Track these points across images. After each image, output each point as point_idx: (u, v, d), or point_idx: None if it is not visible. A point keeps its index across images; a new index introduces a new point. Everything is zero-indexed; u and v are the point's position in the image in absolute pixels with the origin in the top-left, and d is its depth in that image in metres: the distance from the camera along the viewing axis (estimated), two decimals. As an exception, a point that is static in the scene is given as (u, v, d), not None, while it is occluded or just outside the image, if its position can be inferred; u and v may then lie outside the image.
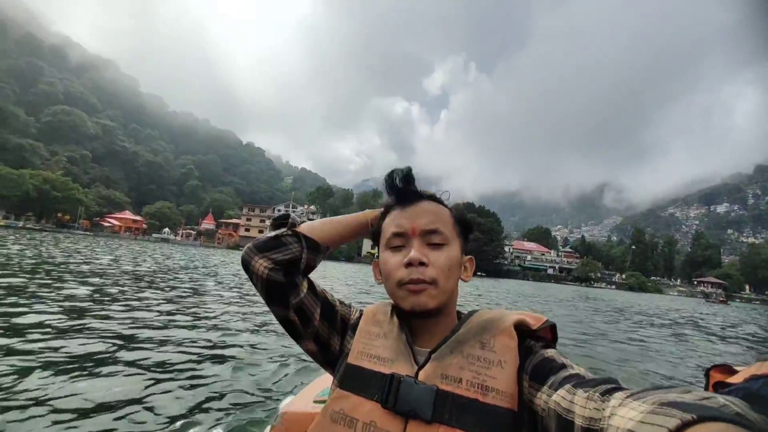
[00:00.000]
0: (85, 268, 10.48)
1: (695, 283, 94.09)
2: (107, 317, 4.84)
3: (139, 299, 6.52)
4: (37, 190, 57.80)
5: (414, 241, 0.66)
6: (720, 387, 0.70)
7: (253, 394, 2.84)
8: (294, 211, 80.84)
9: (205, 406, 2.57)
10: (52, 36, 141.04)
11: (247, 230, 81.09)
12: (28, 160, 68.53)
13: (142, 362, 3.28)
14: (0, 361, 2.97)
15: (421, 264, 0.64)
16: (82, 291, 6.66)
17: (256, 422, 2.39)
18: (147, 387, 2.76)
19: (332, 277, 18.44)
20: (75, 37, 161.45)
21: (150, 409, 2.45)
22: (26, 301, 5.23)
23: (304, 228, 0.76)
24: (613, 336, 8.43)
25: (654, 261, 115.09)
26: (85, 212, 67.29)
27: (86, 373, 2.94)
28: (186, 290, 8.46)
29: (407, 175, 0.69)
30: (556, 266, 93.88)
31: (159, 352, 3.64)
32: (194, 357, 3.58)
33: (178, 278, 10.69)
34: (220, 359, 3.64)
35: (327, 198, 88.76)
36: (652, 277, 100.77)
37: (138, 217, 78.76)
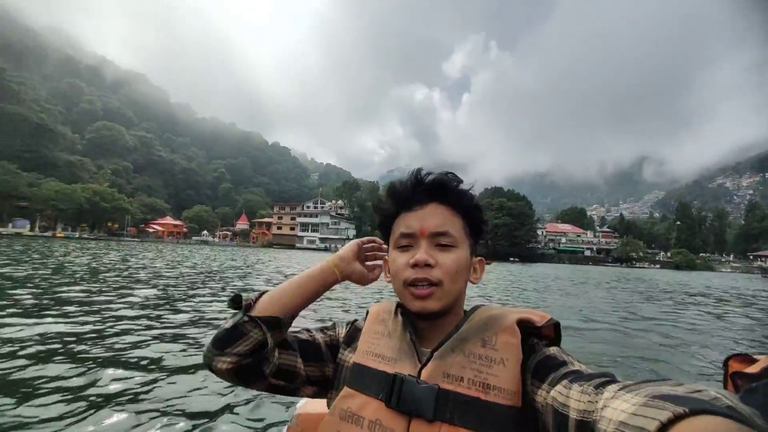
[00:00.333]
0: (159, 269, 11.50)
1: (751, 258, 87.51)
2: (175, 311, 5.44)
3: (188, 297, 7.19)
4: (89, 202, 62.50)
5: (422, 242, 0.66)
6: (738, 377, 0.70)
7: (271, 396, 2.87)
8: (322, 207, 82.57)
9: (224, 405, 2.72)
10: (88, 57, 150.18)
11: (279, 228, 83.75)
12: (78, 174, 73.99)
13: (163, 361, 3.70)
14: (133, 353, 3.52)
15: (428, 265, 0.64)
16: (156, 291, 7.42)
17: (273, 423, 2.50)
18: (160, 386, 2.99)
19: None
20: (108, 56, 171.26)
21: (167, 407, 2.64)
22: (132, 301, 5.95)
23: (262, 305, 0.70)
24: (652, 319, 8.28)
25: (702, 236, 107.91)
26: (131, 220, 72.10)
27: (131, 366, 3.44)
28: (233, 288, 9.14)
29: (419, 181, 0.69)
30: (594, 248, 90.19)
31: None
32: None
33: (225, 277, 11.50)
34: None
35: (354, 192, 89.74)
36: (702, 254, 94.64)
37: (178, 222, 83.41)
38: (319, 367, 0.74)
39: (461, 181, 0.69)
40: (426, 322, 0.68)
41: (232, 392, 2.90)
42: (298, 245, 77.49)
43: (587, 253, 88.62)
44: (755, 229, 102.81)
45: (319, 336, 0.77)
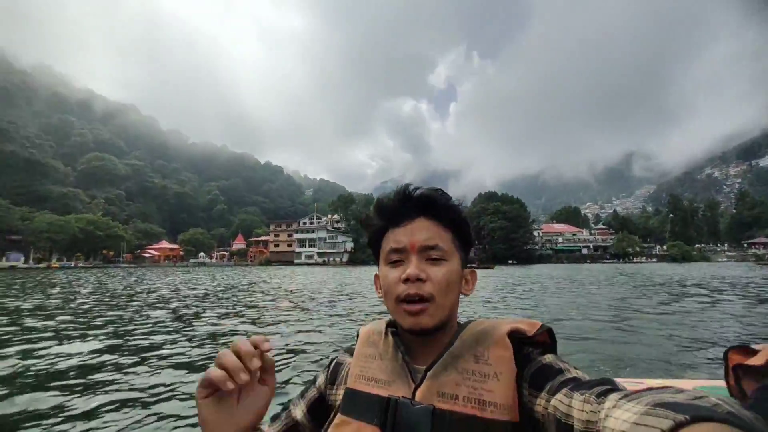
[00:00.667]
0: (154, 295, 11.58)
1: (745, 246, 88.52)
2: (191, 333, 5.60)
3: (197, 316, 7.34)
4: (83, 231, 62.13)
5: (413, 256, 0.66)
6: (740, 369, 0.69)
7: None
8: (319, 222, 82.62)
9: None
10: (78, 92, 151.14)
11: (276, 246, 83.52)
12: (71, 205, 73.69)
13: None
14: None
15: (419, 280, 0.63)
16: (163, 313, 7.55)
17: None
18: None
19: (364, 279, 19.04)
20: (97, 90, 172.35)
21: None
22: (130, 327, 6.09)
23: None
24: (650, 313, 8.54)
25: (696, 227, 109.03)
26: (126, 247, 71.59)
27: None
28: (242, 305, 9.27)
29: (407, 196, 0.68)
30: (591, 245, 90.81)
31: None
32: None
33: (229, 297, 11.60)
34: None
35: (349, 205, 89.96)
36: (697, 245, 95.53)
37: (174, 246, 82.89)
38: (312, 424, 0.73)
39: (449, 197, 0.70)
40: (419, 339, 0.67)
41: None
42: (296, 261, 77.24)
43: (584, 251, 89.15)
44: (747, 217, 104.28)
45: (297, 410, 0.75)
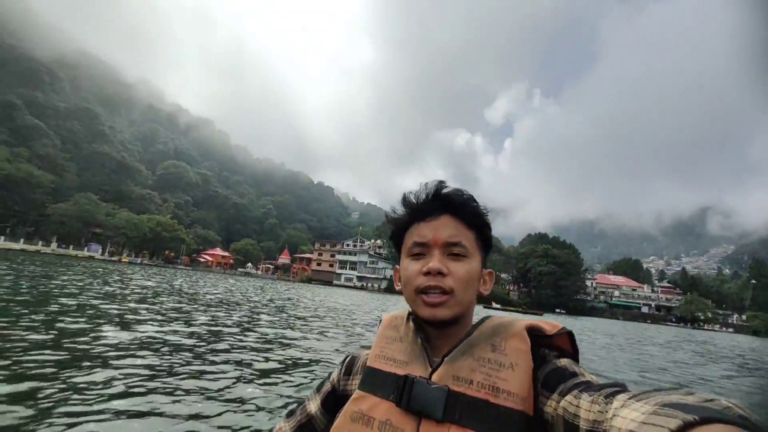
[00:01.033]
0: (217, 297, 12.60)
1: None
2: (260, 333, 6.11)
3: (256, 320, 7.90)
4: (152, 231, 68.61)
5: (435, 250, 0.68)
6: None
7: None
8: (361, 246, 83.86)
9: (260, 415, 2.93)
10: (168, 105, 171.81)
11: (319, 264, 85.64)
12: (146, 206, 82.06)
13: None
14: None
15: (440, 273, 0.65)
16: (226, 314, 8.27)
17: None
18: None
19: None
20: (184, 104, 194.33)
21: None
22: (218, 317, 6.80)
23: None
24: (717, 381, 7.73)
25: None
26: (185, 249, 77.60)
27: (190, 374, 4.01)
28: (291, 318, 9.80)
29: (436, 194, 0.71)
30: (652, 303, 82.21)
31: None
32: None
33: (283, 306, 12.27)
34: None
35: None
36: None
37: (226, 253, 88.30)
38: (325, 413, 0.77)
39: (475, 199, 0.72)
40: (436, 330, 0.69)
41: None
42: (335, 282, 78.35)
43: (645, 309, 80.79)
44: None
45: (312, 404, 0.79)
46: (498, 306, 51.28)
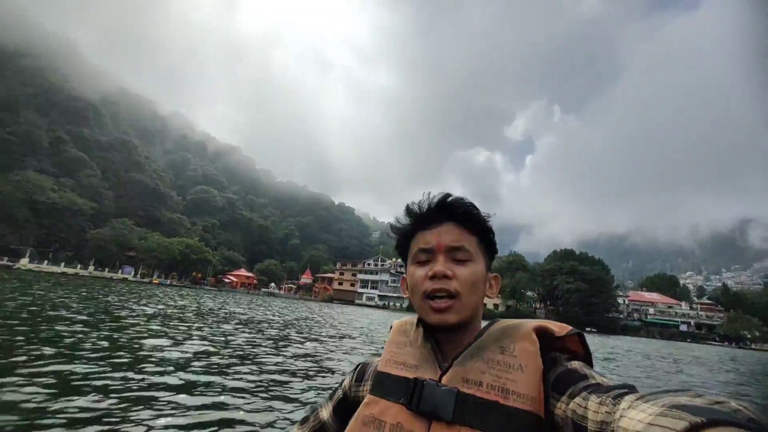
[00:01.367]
0: (244, 316, 13.23)
1: None
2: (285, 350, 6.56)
3: (286, 338, 8.34)
4: (182, 254, 71.39)
5: (439, 255, 0.69)
6: None
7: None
8: (383, 265, 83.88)
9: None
10: (198, 134, 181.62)
11: (340, 284, 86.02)
12: (177, 230, 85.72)
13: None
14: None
15: (445, 277, 0.66)
16: (257, 333, 8.78)
17: None
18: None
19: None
20: (213, 133, 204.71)
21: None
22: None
23: None
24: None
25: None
26: (212, 270, 79.94)
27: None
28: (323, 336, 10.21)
29: (438, 203, 0.72)
30: (691, 321, 77.15)
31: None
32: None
33: (308, 325, 12.71)
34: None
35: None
36: None
37: (250, 274, 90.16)
38: (338, 419, 0.79)
39: (475, 206, 0.73)
40: (444, 335, 0.70)
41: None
42: (357, 301, 78.31)
43: (683, 327, 75.85)
44: None
45: (324, 411, 0.82)
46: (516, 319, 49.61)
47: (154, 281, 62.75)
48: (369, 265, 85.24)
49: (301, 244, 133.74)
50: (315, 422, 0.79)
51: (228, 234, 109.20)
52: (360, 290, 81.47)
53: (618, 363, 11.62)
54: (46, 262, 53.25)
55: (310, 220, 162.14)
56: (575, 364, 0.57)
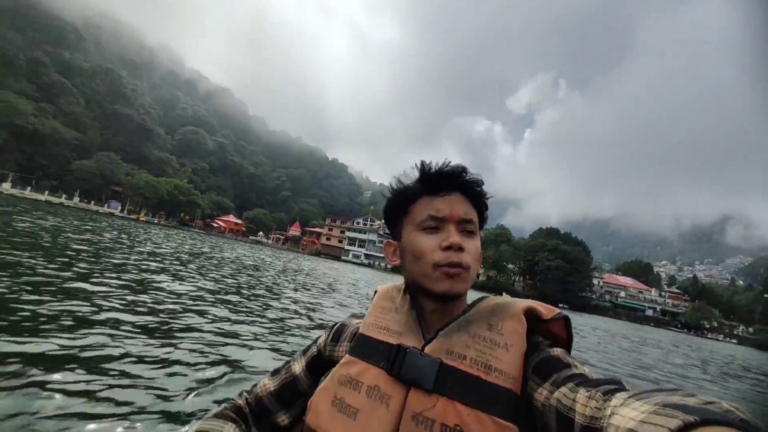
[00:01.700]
0: (235, 262, 13.31)
1: None
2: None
3: (281, 287, 8.44)
4: (169, 194, 70.43)
5: (451, 226, 0.68)
6: None
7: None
8: (371, 225, 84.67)
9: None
10: (188, 71, 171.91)
11: (328, 239, 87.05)
12: (165, 169, 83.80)
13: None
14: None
15: (460, 249, 0.65)
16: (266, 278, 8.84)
17: None
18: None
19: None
20: (203, 71, 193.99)
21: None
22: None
23: None
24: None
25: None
26: (200, 213, 79.59)
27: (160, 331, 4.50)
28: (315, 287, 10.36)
29: (455, 173, 0.70)
30: (657, 308, 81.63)
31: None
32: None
33: (296, 276, 12.90)
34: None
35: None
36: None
37: (239, 221, 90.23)
38: (302, 397, 0.76)
39: (483, 182, 0.73)
40: (437, 304, 0.69)
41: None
42: (343, 257, 79.81)
43: (649, 312, 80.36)
44: None
45: (297, 365, 0.80)
46: (507, 296, 51.72)
47: (141, 218, 62.24)
48: (358, 224, 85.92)
49: (291, 196, 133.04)
50: (287, 375, 0.78)
51: (218, 179, 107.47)
52: (347, 247, 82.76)
53: (583, 337, 12.31)
54: (29, 188, 51.98)
55: (302, 172, 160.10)
56: (557, 351, 0.58)
